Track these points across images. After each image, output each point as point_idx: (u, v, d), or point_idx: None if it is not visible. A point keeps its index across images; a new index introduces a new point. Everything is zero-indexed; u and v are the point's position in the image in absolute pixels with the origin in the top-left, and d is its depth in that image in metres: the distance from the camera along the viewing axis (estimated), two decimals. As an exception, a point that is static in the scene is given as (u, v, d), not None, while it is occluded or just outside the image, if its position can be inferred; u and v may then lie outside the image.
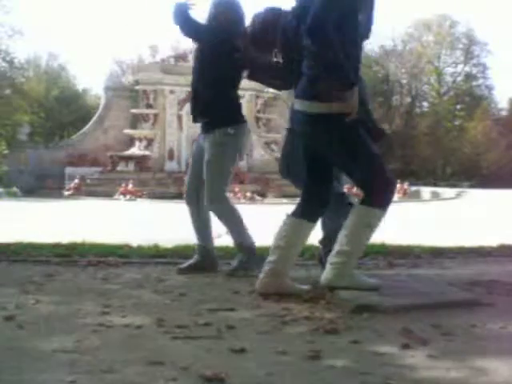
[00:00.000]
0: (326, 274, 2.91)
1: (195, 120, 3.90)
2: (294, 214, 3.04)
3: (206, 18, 3.84)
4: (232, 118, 3.77)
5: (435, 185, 33.57)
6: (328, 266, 2.91)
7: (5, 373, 1.82)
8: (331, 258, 2.91)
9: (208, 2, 3.86)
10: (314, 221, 3.07)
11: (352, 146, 2.89)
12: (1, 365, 1.90)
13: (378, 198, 2.90)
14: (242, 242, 3.72)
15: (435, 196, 24.71)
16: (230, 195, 4.09)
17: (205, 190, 3.74)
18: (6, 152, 31.42)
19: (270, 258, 3.01)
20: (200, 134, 3.92)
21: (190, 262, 3.82)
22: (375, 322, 2.47)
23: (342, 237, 2.90)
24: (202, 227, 3.85)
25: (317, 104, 2.84)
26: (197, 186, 3.83)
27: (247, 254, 3.69)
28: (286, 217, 3.05)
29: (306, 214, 3.02)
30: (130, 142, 26.21)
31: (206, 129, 3.81)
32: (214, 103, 3.73)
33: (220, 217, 3.75)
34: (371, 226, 2.90)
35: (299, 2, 3.02)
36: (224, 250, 4.30)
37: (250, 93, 25.27)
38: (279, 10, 3.29)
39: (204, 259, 3.80)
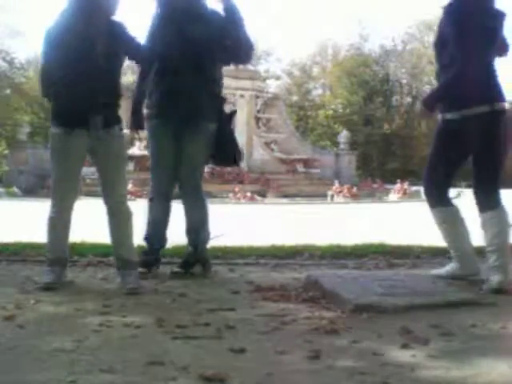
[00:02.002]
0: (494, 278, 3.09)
1: None
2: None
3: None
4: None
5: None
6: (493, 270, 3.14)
7: (5, 373, 1.82)
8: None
9: None
10: None
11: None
12: (1, 365, 1.90)
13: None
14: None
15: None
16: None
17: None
18: (6, 152, 31.42)
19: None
20: None
21: None
22: (375, 322, 2.47)
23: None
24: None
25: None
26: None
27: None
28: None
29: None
30: (130, 141, 26.20)
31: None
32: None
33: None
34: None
35: None
36: (223, 250, 4.31)
37: (250, 93, 25.25)
38: None
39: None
